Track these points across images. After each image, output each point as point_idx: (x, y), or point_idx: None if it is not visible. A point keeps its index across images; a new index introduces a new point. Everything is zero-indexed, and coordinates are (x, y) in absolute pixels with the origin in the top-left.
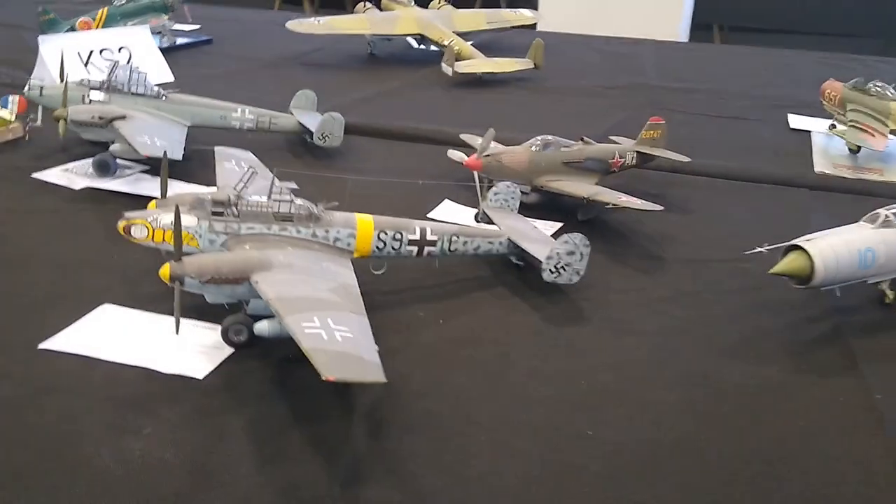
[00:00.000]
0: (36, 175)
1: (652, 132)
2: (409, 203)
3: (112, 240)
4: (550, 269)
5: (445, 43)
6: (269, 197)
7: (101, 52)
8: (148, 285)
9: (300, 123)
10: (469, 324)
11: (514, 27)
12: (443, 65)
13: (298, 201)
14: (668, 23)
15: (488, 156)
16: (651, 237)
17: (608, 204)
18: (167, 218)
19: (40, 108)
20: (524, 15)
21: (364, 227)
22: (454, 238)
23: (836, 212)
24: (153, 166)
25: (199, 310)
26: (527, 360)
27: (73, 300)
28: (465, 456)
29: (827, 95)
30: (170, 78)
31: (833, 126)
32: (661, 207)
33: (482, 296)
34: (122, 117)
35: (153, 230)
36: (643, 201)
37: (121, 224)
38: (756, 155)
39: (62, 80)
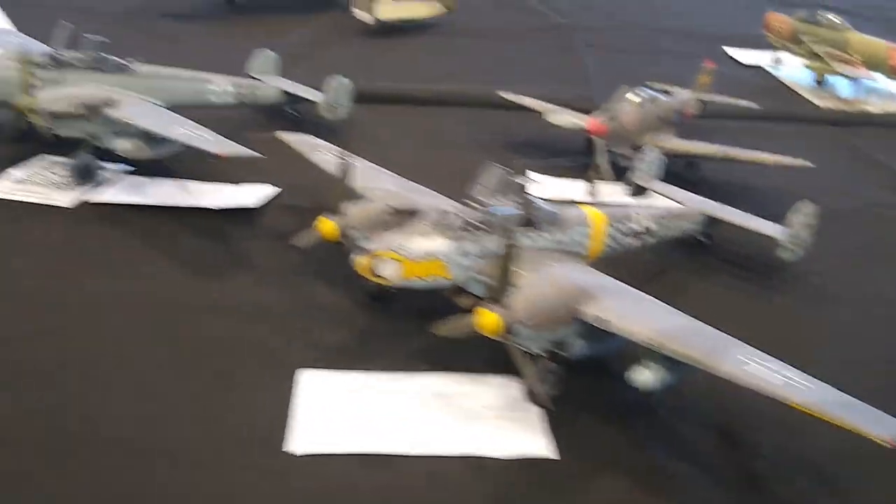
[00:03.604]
0: None
1: (705, 77)
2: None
3: (200, 270)
4: (788, 247)
5: None
6: (504, 196)
7: None
8: (323, 332)
9: (286, 93)
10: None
11: None
12: (356, 10)
13: (536, 200)
14: None
15: (612, 118)
16: (771, 194)
17: (763, 164)
18: (418, 244)
19: None
20: None
21: (598, 221)
22: (663, 222)
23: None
24: (136, 165)
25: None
26: None
27: (244, 370)
28: None
29: (774, 28)
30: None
31: (779, 59)
32: (812, 164)
33: (714, 288)
34: (113, 102)
35: (408, 263)
36: (789, 158)
37: (362, 261)
38: (734, 93)
39: None
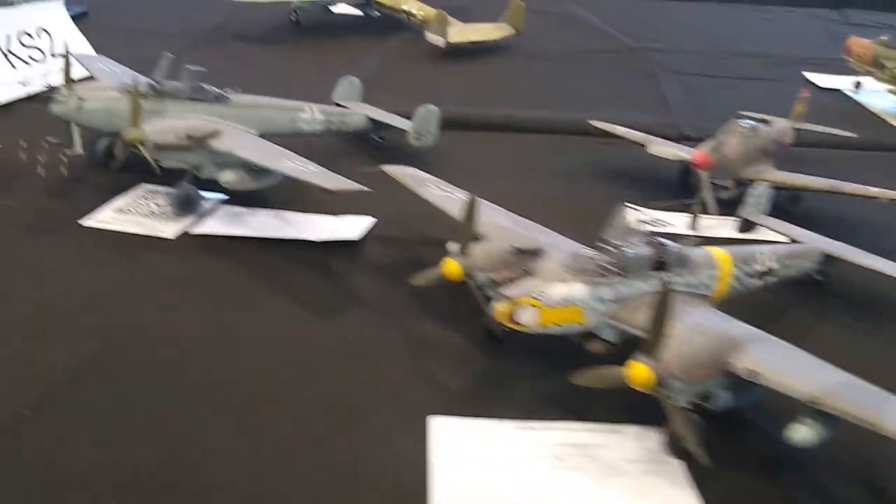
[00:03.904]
0: (87, 223)
1: (801, 106)
2: (576, 213)
3: (310, 305)
4: None
5: (403, 7)
6: (632, 239)
7: (19, 37)
8: (445, 373)
9: (372, 120)
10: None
11: None
12: (429, 34)
13: (666, 242)
14: None
15: (715, 149)
16: (865, 226)
17: (874, 197)
18: (556, 290)
19: (75, 128)
20: None
21: (724, 263)
22: (784, 261)
23: None
24: (230, 194)
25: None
26: None
27: (369, 413)
28: None
29: (855, 53)
30: None
31: (859, 84)
32: None
33: (834, 329)
34: (218, 134)
35: (546, 310)
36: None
37: (501, 307)
38: (816, 118)
39: (68, 83)
